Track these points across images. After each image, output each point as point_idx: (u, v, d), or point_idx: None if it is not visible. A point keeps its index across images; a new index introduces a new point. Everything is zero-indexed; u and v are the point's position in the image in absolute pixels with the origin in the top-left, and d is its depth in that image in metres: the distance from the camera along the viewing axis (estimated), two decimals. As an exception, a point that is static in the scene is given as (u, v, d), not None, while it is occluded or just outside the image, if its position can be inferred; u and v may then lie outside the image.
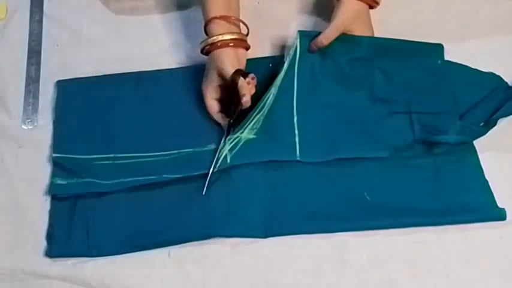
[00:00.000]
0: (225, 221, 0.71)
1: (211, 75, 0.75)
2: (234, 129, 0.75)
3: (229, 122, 0.75)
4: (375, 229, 0.71)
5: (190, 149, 0.76)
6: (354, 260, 0.70)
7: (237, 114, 0.74)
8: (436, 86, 0.78)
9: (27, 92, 0.83)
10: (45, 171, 0.77)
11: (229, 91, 0.74)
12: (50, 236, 0.73)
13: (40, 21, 0.88)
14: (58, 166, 0.76)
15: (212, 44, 0.73)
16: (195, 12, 0.80)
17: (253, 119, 0.75)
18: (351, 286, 0.69)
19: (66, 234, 0.72)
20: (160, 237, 0.71)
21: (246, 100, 0.71)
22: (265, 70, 0.80)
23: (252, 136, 0.75)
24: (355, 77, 0.78)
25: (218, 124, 0.77)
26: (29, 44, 0.86)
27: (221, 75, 0.74)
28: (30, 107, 0.82)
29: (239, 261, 0.71)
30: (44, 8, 0.89)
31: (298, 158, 0.74)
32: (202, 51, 0.75)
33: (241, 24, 0.76)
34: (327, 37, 0.76)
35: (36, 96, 0.83)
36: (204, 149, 0.76)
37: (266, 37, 0.84)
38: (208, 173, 0.73)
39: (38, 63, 0.85)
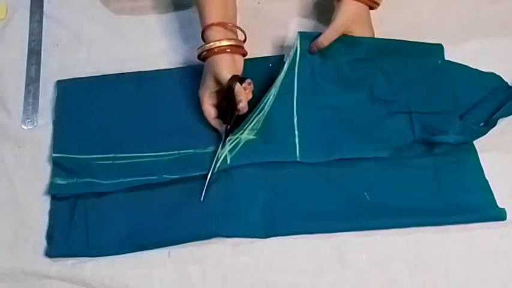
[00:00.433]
0: (225, 221, 0.72)
1: (208, 81, 0.75)
2: (231, 134, 0.75)
3: (226, 127, 0.75)
4: (375, 229, 0.71)
5: (191, 150, 0.76)
6: (354, 260, 0.70)
7: (234, 120, 0.74)
8: (436, 86, 0.78)
9: (27, 92, 0.83)
10: (45, 171, 0.77)
11: (226, 97, 0.73)
12: (50, 236, 0.73)
13: (40, 21, 0.88)
14: (58, 166, 0.76)
15: (209, 50, 0.73)
16: (194, 13, 0.80)
17: (253, 119, 0.75)
18: (351, 286, 0.69)
19: (66, 234, 0.72)
20: (160, 237, 0.72)
21: (243, 106, 0.72)
22: (265, 70, 0.80)
23: (252, 137, 0.75)
24: (355, 78, 0.78)
25: (216, 129, 0.77)
26: (29, 44, 0.86)
27: (218, 81, 0.74)
28: (30, 107, 0.82)
29: (239, 261, 0.71)
30: (44, 8, 0.89)
31: (298, 159, 0.74)
32: (199, 57, 0.75)
33: (238, 30, 0.76)
34: (327, 38, 0.76)
35: (36, 96, 0.83)
36: (205, 151, 0.75)
37: (266, 37, 0.84)
38: (208, 174, 0.73)
39: (38, 63, 0.85)
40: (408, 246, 0.71)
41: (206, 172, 0.73)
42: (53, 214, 0.74)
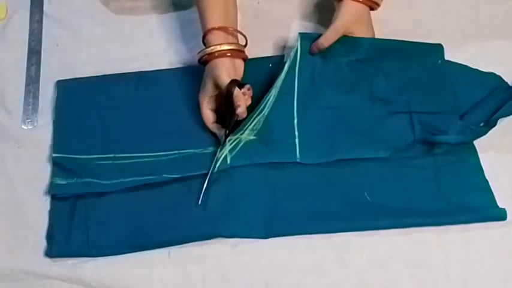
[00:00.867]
0: (225, 221, 0.71)
1: (207, 85, 0.74)
2: (232, 134, 0.75)
3: (225, 132, 0.75)
4: (375, 229, 0.71)
5: (191, 150, 0.76)
6: (354, 260, 0.70)
7: (233, 125, 0.74)
8: (436, 86, 0.78)
9: (27, 92, 0.83)
10: (45, 171, 0.77)
11: (224, 101, 0.73)
12: (50, 236, 0.73)
13: (40, 21, 0.88)
14: (58, 166, 0.76)
15: (210, 53, 0.73)
16: (194, 13, 0.80)
17: (253, 120, 0.75)
18: (351, 286, 0.69)
19: (66, 234, 0.72)
20: (160, 237, 0.71)
21: (241, 111, 0.71)
22: (265, 70, 0.80)
23: (252, 137, 0.75)
24: (356, 78, 0.78)
25: (214, 134, 0.76)
26: (29, 44, 0.86)
27: (217, 85, 0.73)
28: (30, 107, 0.82)
29: (239, 261, 0.71)
30: (44, 8, 0.89)
31: (298, 160, 0.74)
32: (199, 61, 0.75)
33: (239, 35, 0.76)
34: (327, 39, 0.76)
35: (36, 96, 0.83)
36: (205, 151, 0.75)
37: (266, 37, 0.84)
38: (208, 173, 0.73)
39: (38, 63, 0.85)
40: (408, 246, 0.71)
41: (206, 172, 0.73)
42: (53, 214, 0.74)
